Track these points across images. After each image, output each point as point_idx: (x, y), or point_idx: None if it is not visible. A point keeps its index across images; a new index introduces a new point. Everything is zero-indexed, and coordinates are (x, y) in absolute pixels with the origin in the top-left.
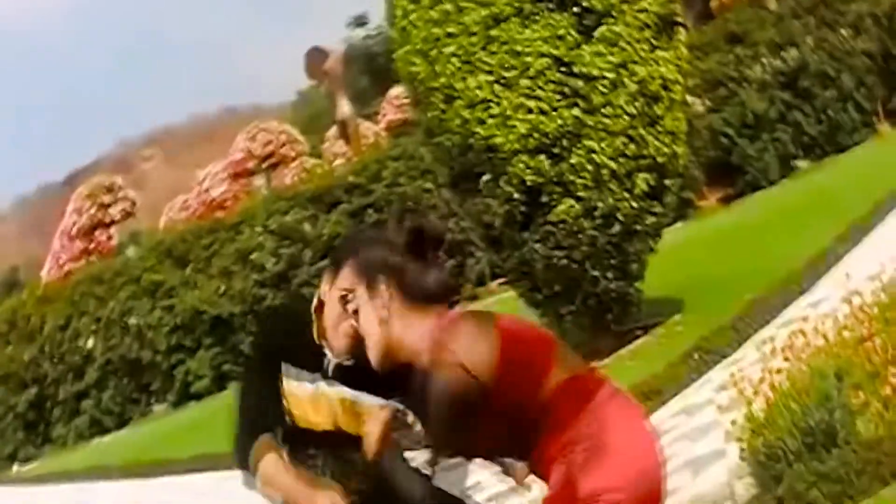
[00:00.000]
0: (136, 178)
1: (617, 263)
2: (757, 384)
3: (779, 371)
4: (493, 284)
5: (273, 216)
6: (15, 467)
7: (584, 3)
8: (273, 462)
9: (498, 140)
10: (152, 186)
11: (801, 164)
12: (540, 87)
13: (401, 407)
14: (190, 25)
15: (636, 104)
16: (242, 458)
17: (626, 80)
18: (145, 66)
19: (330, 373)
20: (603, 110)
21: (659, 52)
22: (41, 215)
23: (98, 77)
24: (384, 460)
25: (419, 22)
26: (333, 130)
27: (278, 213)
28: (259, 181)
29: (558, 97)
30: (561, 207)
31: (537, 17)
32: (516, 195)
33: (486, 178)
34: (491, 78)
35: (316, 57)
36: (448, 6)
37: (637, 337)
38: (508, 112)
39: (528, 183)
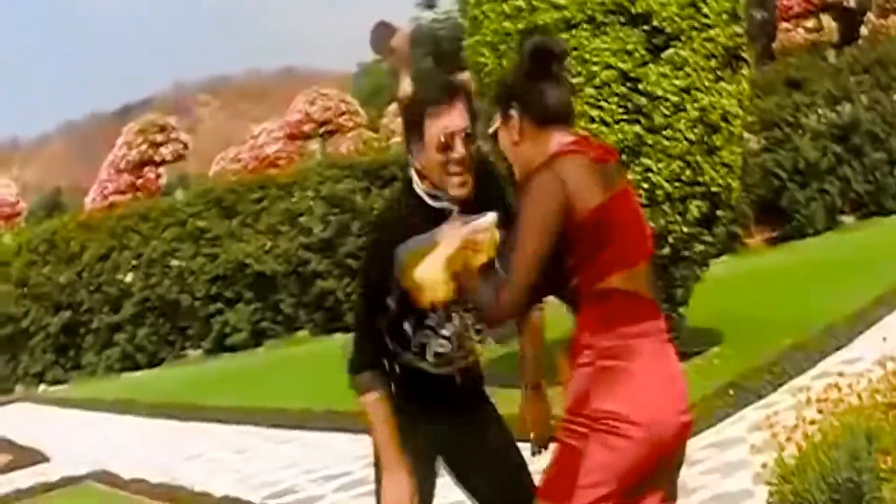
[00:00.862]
0: (189, 123)
1: (663, 286)
2: (790, 431)
3: (812, 422)
4: None
5: (326, 182)
6: (42, 387)
7: (655, 23)
8: (374, 403)
9: None
10: (204, 133)
11: (846, 219)
12: (604, 99)
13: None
14: None
15: (696, 131)
16: (352, 371)
17: (688, 105)
18: (209, 17)
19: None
20: (664, 132)
21: (722, 84)
22: (88, 143)
23: (162, 19)
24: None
25: (491, 14)
26: (393, 107)
27: (331, 181)
28: (314, 146)
29: (621, 111)
30: None
31: (608, 29)
32: None
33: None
34: None
35: (382, 32)
36: (521, 2)
37: None
38: None
39: None
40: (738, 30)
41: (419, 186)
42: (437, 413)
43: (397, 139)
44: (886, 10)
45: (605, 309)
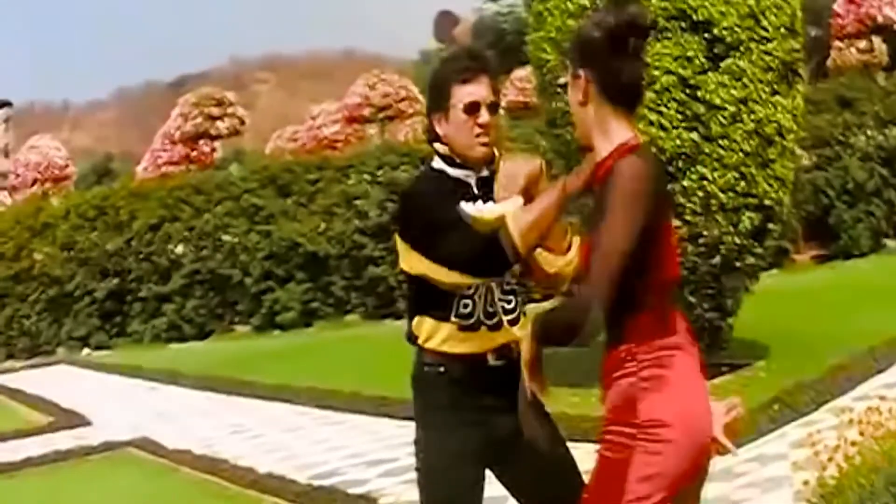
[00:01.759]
0: (246, 99)
1: (713, 294)
2: (832, 451)
3: (853, 444)
4: None
5: (384, 167)
6: (85, 351)
7: (716, 32)
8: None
9: None
10: (261, 110)
11: (891, 243)
12: (663, 104)
13: None
14: None
15: (751, 142)
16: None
17: (745, 116)
18: None
19: (475, 194)
20: (720, 141)
21: (778, 98)
22: (142, 111)
23: None
24: None
25: (556, 10)
26: None
27: (389, 166)
28: (372, 130)
29: (679, 117)
30: None
31: (669, 35)
32: None
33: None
34: None
35: (445, 21)
36: (585, 0)
37: (722, 373)
38: None
39: None
40: (795, 45)
41: (439, 156)
42: (481, 407)
43: None
44: None
45: (649, 319)
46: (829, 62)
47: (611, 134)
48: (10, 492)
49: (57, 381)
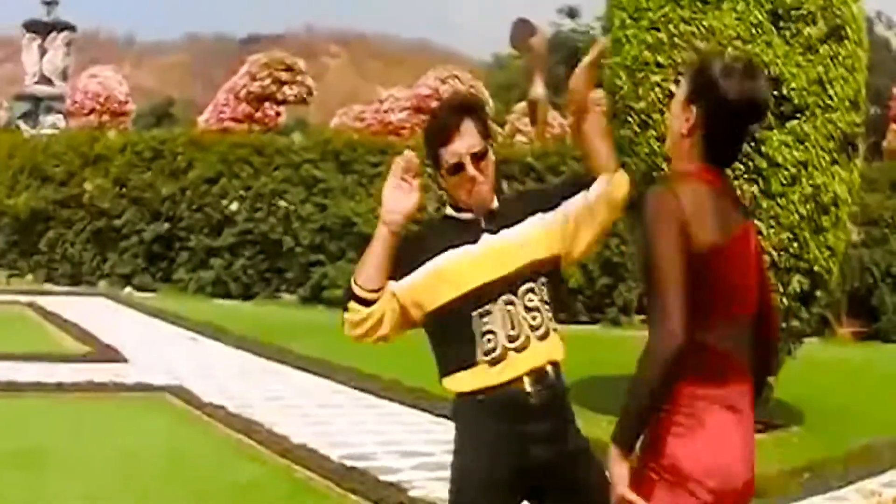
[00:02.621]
0: (315, 70)
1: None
2: None
3: None
4: (637, 318)
5: None
6: (128, 289)
7: (784, 91)
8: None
9: None
10: (329, 83)
11: None
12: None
13: None
14: None
15: (808, 207)
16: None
17: (804, 179)
18: None
19: (484, 229)
20: (779, 199)
21: (837, 168)
22: (209, 62)
23: None
24: None
25: (634, 39)
26: (521, 105)
27: None
28: None
29: (742, 168)
30: None
31: None
32: None
33: None
34: None
35: (523, 29)
36: (663, 36)
37: (758, 430)
38: None
39: None
40: (857, 119)
41: (448, 205)
42: (518, 436)
43: (521, 138)
44: None
45: (693, 360)
46: (884, 143)
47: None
48: (40, 412)
49: (96, 313)
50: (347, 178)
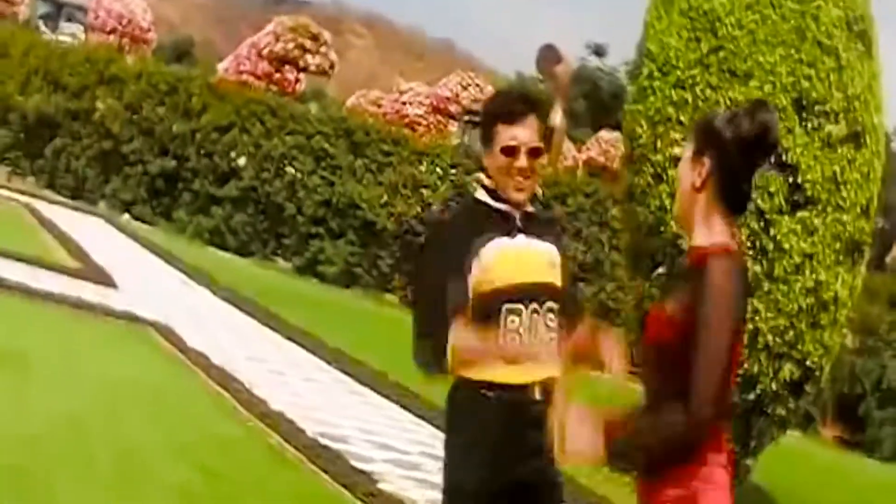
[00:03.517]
0: (338, 46)
1: (741, 431)
2: None
3: None
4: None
5: (458, 168)
6: (126, 216)
7: (800, 179)
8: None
9: (682, 244)
10: (350, 63)
11: None
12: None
13: None
14: None
15: (808, 300)
16: (421, 358)
17: (807, 272)
18: None
19: (518, 227)
20: (781, 285)
21: (840, 269)
22: (235, 12)
23: None
24: None
25: (659, 92)
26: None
27: (463, 169)
28: (453, 128)
29: (749, 245)
30: None
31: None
32: None
33: (660, 270)
34: None
35: (549, 55)
36: (688, 96)
37: None
38: None
39: None
40: (867, 226)
41: (484, 186)
42: (518, 444)
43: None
44: None
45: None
46: (888, 258)
47: (713, 228)
48: (28, 317)
49: (92, 232)
50: (357, 161)
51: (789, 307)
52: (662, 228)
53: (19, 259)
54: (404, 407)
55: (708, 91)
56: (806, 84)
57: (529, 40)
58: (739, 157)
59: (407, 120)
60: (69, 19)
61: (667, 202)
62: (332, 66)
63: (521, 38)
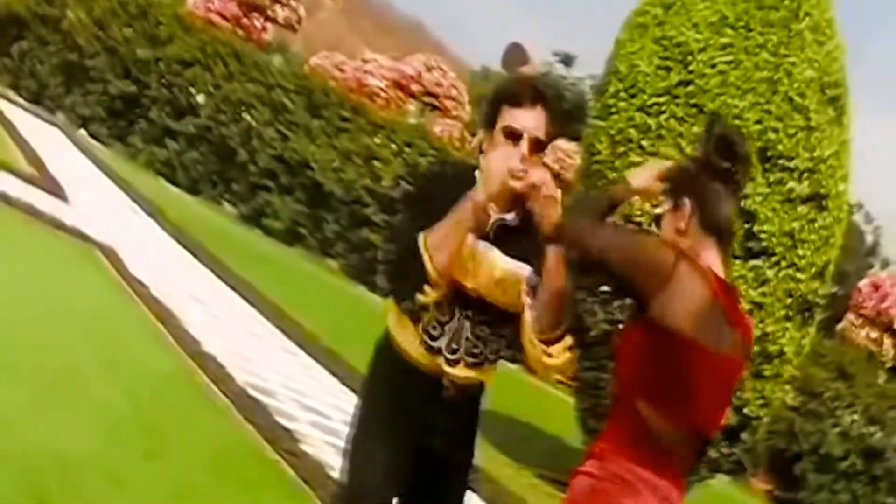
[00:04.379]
0: (309, 5)
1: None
2: None
3: None
4: None
5: (412, 147)
6: (83, 131)
7: (756, 227)
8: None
9: None
10: (318, 23)
11: None
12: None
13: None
14: None
15: (754, 349)
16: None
17: (755, 320)
18: None
19: (491, 235)
20: None
21: (789, 326)
22: None
23: None
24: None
25: (623, 113)
26: None
27: (417, 150)
28: (412, 107)
29: None
30: None
31: None
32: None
33: (605, 287)
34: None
35: (517, 54)
36: (652, 122)
37: None
38: None
39: None
40: (820, 289)
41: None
42: (422, 416)
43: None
44: None
45: (636, 432)
46: (838, 326)
47: (701, 261)
48: None
49: (49, 142)
50: (315, 121)
51: None
52: None
53: None
54: (333, 373)
55: (672, 122)
56: (773, 136)
57: (499, 37)
58: (714, 179)
59: (367, 90)
60: None
61: (618, 222)
62: (299, 22)
63: (491, 33)
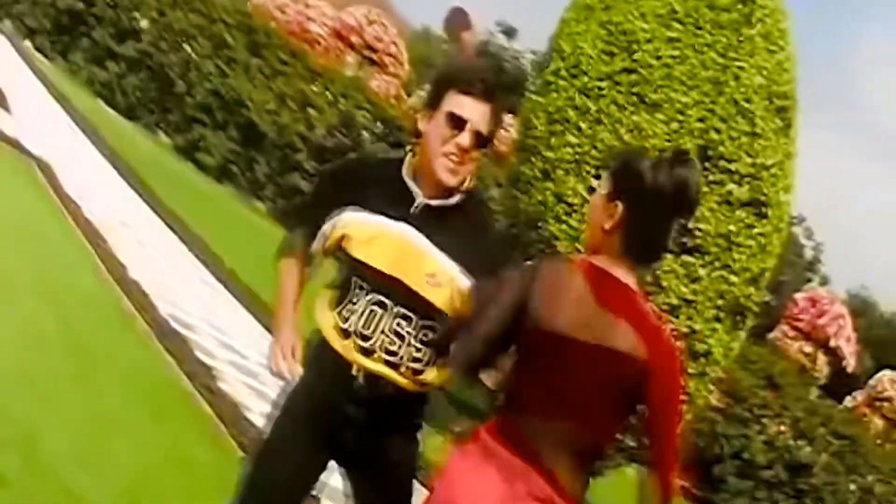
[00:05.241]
0: None
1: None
2: None
3: None
4: None
5: (348, 99)
6: (27, 42)
7: (690, 225)
8: (285, 266)
9: (558, 246)
10: None
11: None
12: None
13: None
14: None
15: (678, 345)
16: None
17: (682, 317)
18: None
19: (415, 217)
20: None
21: (719, 326)
22: None
23: None
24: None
25: (563, 91)
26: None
27: (353, 102)
28: (350, 59)
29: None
30: None
31: None
32: None
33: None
34: (578, 219)
35: (459, 18)
36: (592, 105)
37: None
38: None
39: None
40: (755, 296)
41: (407, 162)
42: (339, 420)
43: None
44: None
45: (511, 417)
46: (770, 335)
47: (621, 267)
48: None
49: None
50: (253, 60)
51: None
52: (540, 224)
53: None
54: (254, 315)
55: (613, 108)
56: (715, 136)
57: (444, 1)
58: (654, 209)
59: (308, 36)
60: None
61: (549, 199)
62: None
63: None
